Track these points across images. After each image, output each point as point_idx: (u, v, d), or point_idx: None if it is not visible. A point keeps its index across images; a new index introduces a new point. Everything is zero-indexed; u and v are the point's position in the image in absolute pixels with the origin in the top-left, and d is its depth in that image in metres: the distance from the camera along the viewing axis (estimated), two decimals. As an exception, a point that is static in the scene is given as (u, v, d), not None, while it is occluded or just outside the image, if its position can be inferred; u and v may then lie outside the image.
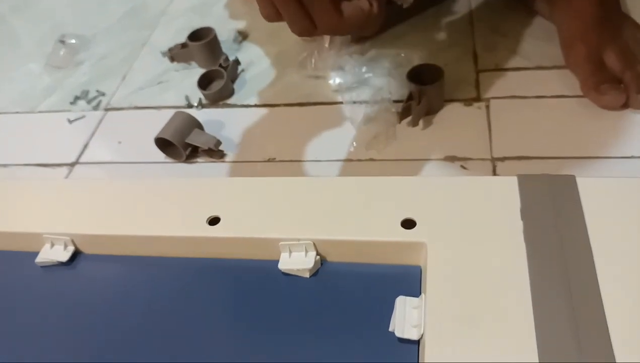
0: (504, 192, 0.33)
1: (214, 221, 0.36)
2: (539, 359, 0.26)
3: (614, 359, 0.25)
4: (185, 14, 0.75)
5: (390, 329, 0.30)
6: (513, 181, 0.34)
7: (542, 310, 0.28)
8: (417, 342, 0.30)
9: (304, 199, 0.36)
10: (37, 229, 0.39)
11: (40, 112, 0.64)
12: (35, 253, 0.39)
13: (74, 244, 0.39)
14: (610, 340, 0.26)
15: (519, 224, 0.32)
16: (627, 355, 0.26)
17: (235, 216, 0.36)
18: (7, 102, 0.66)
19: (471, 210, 0.33)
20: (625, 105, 0.46)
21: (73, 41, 0.71)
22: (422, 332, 0.29)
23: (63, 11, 0.85)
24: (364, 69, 0.54)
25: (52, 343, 0.34)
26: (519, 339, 0.27)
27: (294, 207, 0.36)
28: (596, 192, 0.33)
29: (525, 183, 0.33)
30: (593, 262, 0.29)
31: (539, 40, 0.55)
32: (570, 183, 0.33)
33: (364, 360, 0.30)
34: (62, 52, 0.69)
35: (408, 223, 0.33)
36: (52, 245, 0.39)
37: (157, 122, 0.51)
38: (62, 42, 0.70)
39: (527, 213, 0.32)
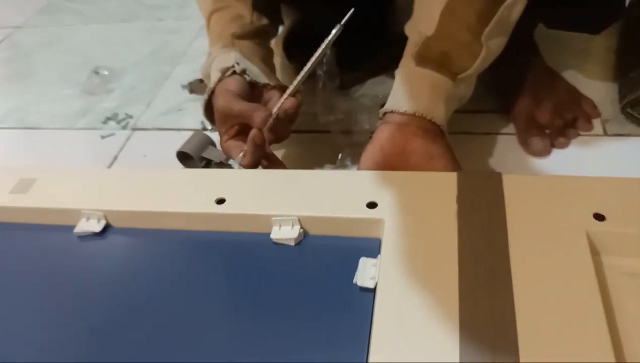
0: (446, 185, 0.43)
1: (220, 201, 0.46)
2: (459, 304, 0.34)
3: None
4: (203, 55, 0.87)
5: (354, 281, 0.39)
6: (453, 176, 0.44)
7: (465, 275, 0.36)
8: (373, 290, 0.38)
9: (292, 186, 0.46)
10: (76, 206, 0.48)
11: (76, 129, 0.74)
12: (74, 226, 0.48)
13: (106, 219, 0.48)
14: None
15: (454, 207, 0.41)
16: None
17: (237, 198, 0.46)
18: (48, 120, 0.76)
19: (420, 197, 0.43)
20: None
21: (106, 72, 0.82)
22: (376, 281, 0.38)
23: (96, 47, 0.97)
24: (349, 105, 0.65)
25: (85, 301, 0.43)
26: (445, 289, 0.36)
27: (284, 191, 0.46)
28: (519, 188, 0.42)
29: (462, 178, 0.43)
30: (507, 245, 0.37)
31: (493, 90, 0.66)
32: (496, 179, 0.43)
33: (334, 304, 0.39)
34: (96, 81, 0.80)
35: (371, 205, 0.43)
36: (88, 219, 0.48)
37: (176, 141, 0.60)
38: (96, 72, 0.81)
39: (461, 199, 0.41)
